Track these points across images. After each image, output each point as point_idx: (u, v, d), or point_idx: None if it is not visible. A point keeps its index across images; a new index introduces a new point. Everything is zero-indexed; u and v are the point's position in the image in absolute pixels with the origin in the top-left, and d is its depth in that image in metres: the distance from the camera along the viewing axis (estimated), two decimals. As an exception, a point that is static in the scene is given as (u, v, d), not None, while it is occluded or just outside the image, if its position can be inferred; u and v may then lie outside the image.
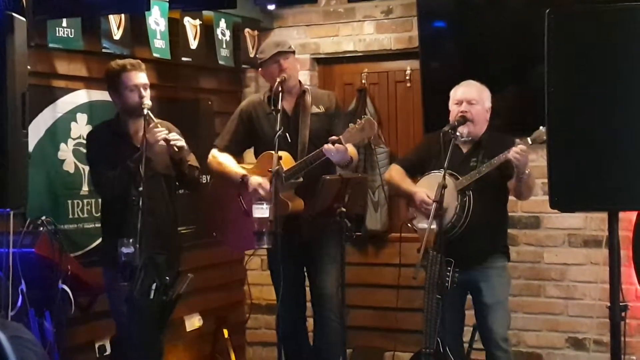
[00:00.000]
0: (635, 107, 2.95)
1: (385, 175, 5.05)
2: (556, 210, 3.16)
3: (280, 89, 4.55)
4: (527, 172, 4.40)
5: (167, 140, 4.35)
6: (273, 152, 4.44)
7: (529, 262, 5.63)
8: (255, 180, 4.63)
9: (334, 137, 4.41)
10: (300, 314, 4.95)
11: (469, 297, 4.73)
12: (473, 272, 4.57)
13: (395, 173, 4.83)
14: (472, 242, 4.47)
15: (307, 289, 4.96)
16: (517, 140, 4.38)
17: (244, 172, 4.73)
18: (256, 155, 4.85)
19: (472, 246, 4.48)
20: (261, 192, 4.55)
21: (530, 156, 4.52)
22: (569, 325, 5.59)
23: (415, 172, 4.77)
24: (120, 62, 4.52)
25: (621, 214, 3.15)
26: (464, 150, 4.64)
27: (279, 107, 4.45)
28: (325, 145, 4.42)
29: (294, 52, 4.81)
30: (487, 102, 4.64)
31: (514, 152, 4.34)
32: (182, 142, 4.41)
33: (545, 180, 3.13)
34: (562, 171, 3.05)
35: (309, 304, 4.97)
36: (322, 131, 4.63)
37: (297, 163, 4.56)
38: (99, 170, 4.49)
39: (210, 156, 4.87)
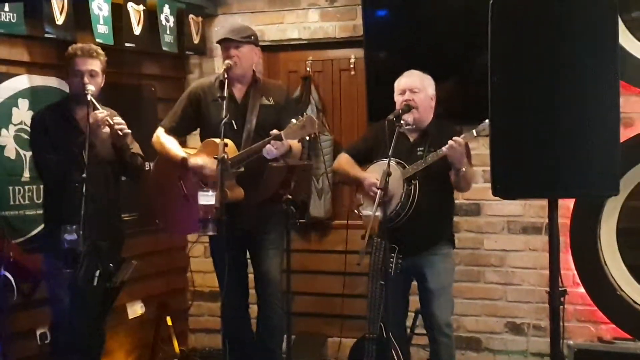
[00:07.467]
0: (575, 97, 3.02)
1: (334, 164, 5.07)
2: (496, 198, 3.20)
3: (225, 75, 4.55)
4: (463, 169, 4.44)
5: (110, 125, 4.31)
6: (216, 139, 4.43)
7: (469, 248, 5.72)
8: (195, 161, 4.63)
9: (275, 131, 4.41)
10: (243, 301, 4.95)
11: (414, 283, 4.79)
12: (418, 258, 4.63)
13: (344, 161, 4.88)
14: (418, 229, 4.53)
15: (251, 276, 4.97)
16: (463, 131, 4.43)
17: (184, 154, 4.72)
18: (202, 138, 4.84)
19: (418, 233, 4.55)
20: (205, 171, 4.54)
21: (472, 144, 4.59)
22: (507, 311, 5.70)
23: (363, 160, 4.82)
24: (75, 47, 4.47)
25: (560, 202, 3.21)
26: (411, 139, 4.69)
27: (225, 94, 4.43)
28: (267, 146, 4.41)
29: (251, 42, 4.73)
30: (431, 90, 4.69)
31: (449, 145, 4.39)
32: (126, 128, 4.37)
33: (486, 168, 3.19)
34: (503, 159, 3.10)
35: (252, 291, 4.98)
36: (269, 123, 4.60)
37: (240, 152, 4.55)
38: (42, 155, 4.43)
39: (155, 135, 4.85)
